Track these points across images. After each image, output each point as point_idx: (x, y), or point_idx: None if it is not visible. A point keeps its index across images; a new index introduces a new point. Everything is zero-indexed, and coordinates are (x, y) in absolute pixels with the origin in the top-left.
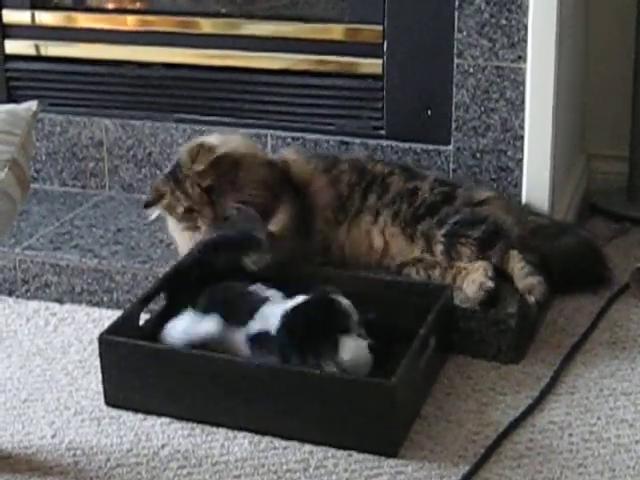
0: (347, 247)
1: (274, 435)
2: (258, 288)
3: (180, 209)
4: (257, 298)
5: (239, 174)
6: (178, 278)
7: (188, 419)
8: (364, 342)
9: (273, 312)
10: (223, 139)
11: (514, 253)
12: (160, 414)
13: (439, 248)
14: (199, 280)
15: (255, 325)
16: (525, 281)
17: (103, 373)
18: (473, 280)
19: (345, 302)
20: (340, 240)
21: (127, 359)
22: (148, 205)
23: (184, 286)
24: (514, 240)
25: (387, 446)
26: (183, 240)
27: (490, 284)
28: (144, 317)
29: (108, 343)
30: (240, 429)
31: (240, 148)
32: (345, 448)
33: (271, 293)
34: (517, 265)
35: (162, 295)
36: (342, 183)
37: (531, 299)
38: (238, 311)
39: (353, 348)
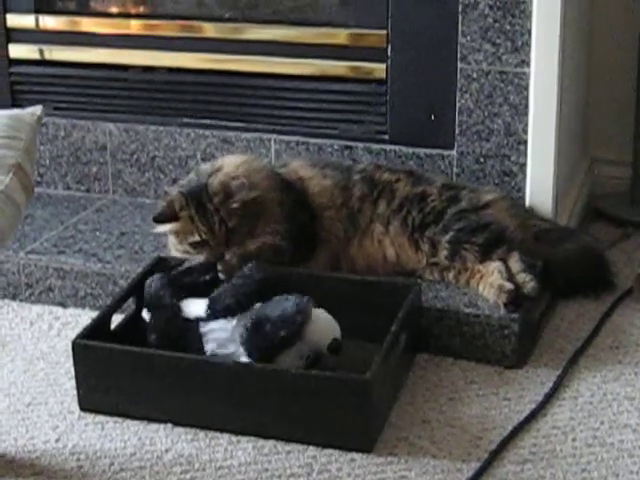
0: (359, 260)
1: (252, 434)
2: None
3: (194, 239)
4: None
5: (258, 222)
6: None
7: (162, 421)
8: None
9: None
10: (245, 168)
11: (514, 253)
12: (134, 417)
13: (444, 254)
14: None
15: None
16: (517, 277)
17: (77, 378)
18: (490, 284)
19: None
20: (351, 254)
21: (101, 363)
22: (159, 221)
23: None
24: (516, 245)
25: (363, 442)
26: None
27: (509, 285)
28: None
29: (81, 347)
30: (219, 430)
31: (262, 182)
32: (320, 445)
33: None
34: (513, 265)
35: (132, 299)
36: (354, 197)
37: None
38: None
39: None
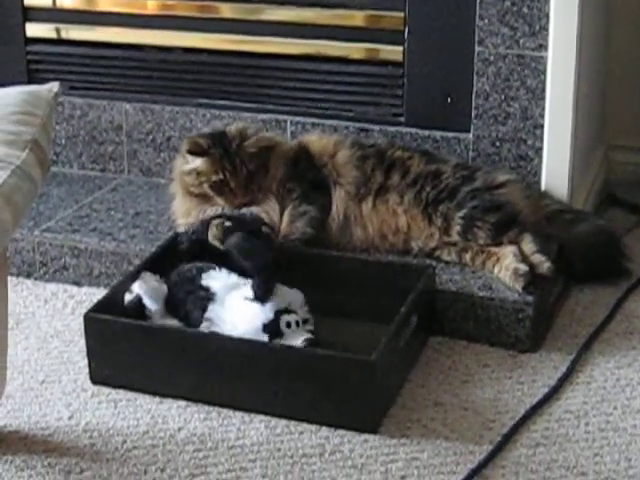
0: (372, 224)
1: (264, 412)
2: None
3: (218, 177)
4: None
5: (270, 167)
6: (168, 256)
7: (167, 395)
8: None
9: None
10: (253, 127)
11: (526, 235)
12: (144, 391)
13: (456, 229)
14: (190, 260)
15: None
16: (531, 258)
17: (88, 351)
18: (506, 267)
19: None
20: (364, 214)
21: (112, 336)
22: (193, 153)
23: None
24: (529, 227)
25: (368, 422)
26: (184, 206)
27: (524, 268)
28: None
29: (93, 321)
30: (231, 407)
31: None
32: (325, 424)
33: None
34: (526, 246)
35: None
36: (366, 162)
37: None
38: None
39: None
